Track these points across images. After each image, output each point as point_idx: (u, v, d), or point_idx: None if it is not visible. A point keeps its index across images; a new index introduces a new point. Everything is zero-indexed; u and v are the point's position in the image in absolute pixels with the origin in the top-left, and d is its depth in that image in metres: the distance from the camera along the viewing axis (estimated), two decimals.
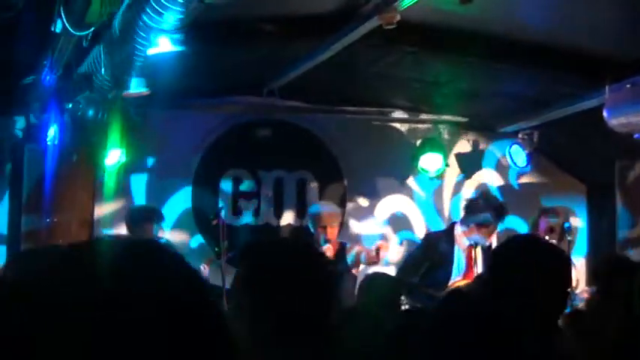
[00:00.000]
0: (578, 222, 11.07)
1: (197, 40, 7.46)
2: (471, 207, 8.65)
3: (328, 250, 8.77)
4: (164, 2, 4.47)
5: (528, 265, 3.39)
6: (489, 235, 8.52)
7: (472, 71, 8.92)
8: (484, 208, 8.48)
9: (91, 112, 7.99)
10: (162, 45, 5.10)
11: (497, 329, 2.40)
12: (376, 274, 7.52)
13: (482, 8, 7.22)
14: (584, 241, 11.21)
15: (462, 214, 8.82)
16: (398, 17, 6.78)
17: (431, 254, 8.63)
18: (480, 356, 2.41)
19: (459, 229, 8.66)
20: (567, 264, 3.63)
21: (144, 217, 8.98)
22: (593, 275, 7.06)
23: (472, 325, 2.55)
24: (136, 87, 6.22)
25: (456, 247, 8.63)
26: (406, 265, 8.91)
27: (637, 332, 4.10)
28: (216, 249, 8.87)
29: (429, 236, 9.36)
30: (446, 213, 10.99)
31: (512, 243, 3.88)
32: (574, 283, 8.13)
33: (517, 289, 3.27)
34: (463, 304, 3.00)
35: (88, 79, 6.96)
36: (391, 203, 11.05)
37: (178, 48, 5.17)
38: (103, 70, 6.25)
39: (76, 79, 7.48)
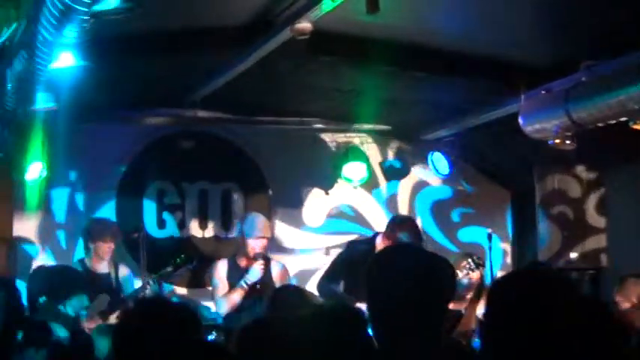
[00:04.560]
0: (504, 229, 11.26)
1: (112, 53, 7.49)
2: (392, 225, 8.69)
3: (260, 265, 8.64)
4: (61, 17, 4.43)
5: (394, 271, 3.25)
6: None
7: (390, 80, 8.95)
8: (402, 229, 8.49)
9: None
10: (64, 59, 5.05)
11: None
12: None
13: (396, 17, 7.29)
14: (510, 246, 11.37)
15: (386, 227, 8.82)
16: (309, 28, 6.82)
17: (351, 261, 8.64)
18: None
19: (379, 240, 8.66)
20: (432, 268, 3.30)
21: (101, 231, 9.02)
22: None
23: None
24: (43, 102, 6.16)
25: None
26: (329, 271, 8.91)
27: None
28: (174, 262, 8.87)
29: (350, 244, 9.38)
30: (370, 221, 11.00)
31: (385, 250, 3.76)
32: None
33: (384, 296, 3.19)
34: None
35: None
36: (317, 212, 11.05)
37: (81, 62, 5.12)
38: (9, 85, 6.17)
39: None
